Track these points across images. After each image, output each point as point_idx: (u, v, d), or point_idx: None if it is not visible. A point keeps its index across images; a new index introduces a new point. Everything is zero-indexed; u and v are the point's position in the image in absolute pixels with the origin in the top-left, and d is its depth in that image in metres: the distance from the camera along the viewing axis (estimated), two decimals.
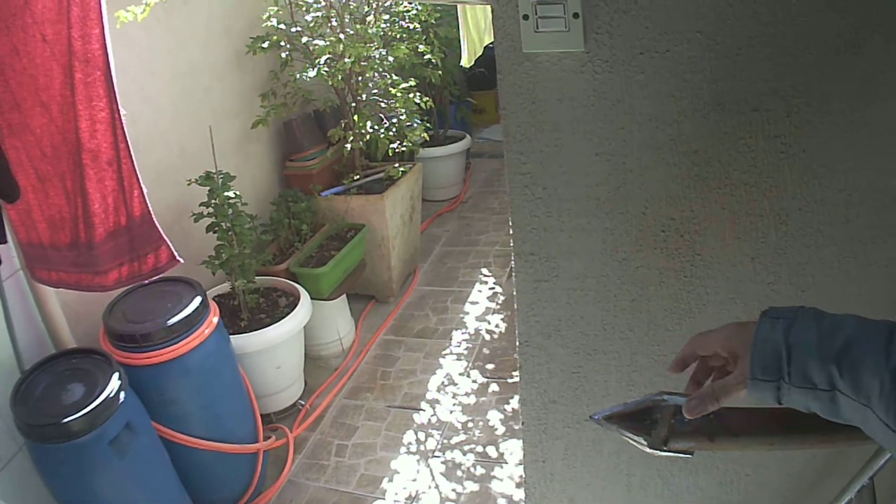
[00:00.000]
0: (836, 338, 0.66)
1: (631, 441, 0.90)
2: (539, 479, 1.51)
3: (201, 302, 2.22)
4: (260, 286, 2.78)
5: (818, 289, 1.15)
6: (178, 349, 2.12)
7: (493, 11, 1.08)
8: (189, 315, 2.16)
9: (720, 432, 0.89)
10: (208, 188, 2.47)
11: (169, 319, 2.12)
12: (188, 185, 2.47)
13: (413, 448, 2.67)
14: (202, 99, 2.88)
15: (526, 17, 1.03)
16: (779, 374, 0.68)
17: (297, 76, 3.06)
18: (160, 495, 2.10)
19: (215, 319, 2.26)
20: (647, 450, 0.90)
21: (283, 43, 3.02)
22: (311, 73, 2.97)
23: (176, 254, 2.01)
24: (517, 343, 1.35)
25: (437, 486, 2.49)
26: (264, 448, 2.45)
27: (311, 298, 2.77)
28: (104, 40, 1.68)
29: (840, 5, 0.94)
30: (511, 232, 1.24)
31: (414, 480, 2.53)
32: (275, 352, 2.60)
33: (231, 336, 2.44)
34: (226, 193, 2.44)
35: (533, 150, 1.15)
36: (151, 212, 1.94)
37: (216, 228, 2.51)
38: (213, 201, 2.47)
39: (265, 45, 2.93)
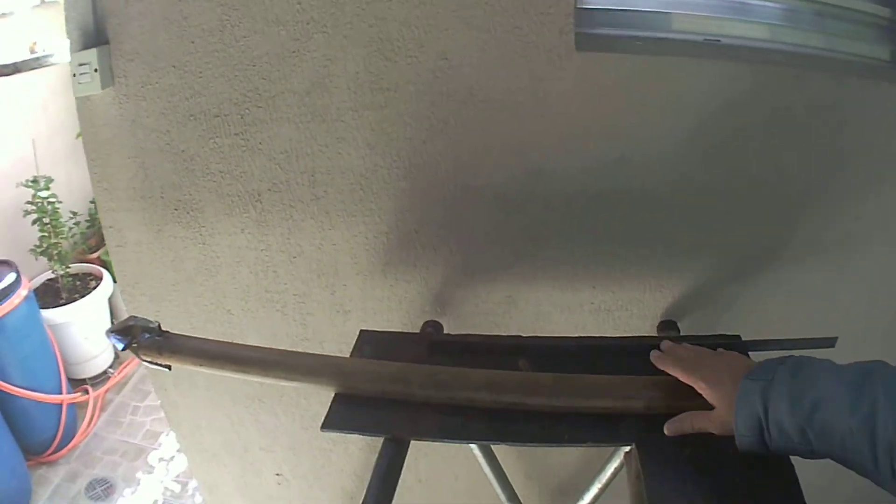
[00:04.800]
0: (805, 399, 0.67)
1: (114, 344, 1.11)
2: (169, 406, 1.72)
3: (15, 278, 2.52)
4: (78, 272, 3.04)
5: (307, 257, 1.38)
6: None
7: None
8: (5, 287, 2.49)
9: (167, 349, 1.12)
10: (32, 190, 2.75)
11: None
12: (16, 187, 2.74)
13: None
14: (38, 114, 3.12)
15: (74, 75, 1.29)
16: (760, 432, 0.72)
17: None
18: None
19: (24, 292, 2.55)
20: (130, 353, 1.13)
21: None
22: None
23: None
24: None
25: None
26: (67, 401, 2.70)
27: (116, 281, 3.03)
28: None
29: (279, 18, 1.14)
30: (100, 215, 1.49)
31: None
32: (81, 324, 2.87)
33: (50, 309, 2.76)
34: (40, 194, 2.71)
35: (98, 157, 1.40)
36: None
37: (38, 223, 2.78)
38: (37, 200, 2.75)
39: None
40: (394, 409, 1.01)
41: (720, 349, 0.91)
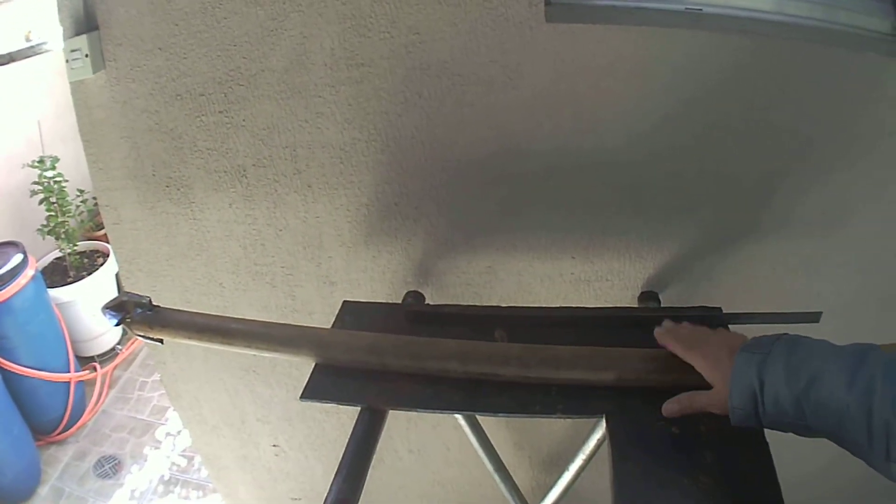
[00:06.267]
0: (802, 373, 0.69)
1: (108, 319, 1.17)
2: (168, 379, 1.82)
3: (22, 259, 2.63)
4: (85, 249, 3.16)
5: (292, 230, 1.45)
6: (4, 294, 2.55)
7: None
8: (12, 268, 2.58)
9: (157, 323, 1.18)
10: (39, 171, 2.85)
11: None
12: (22, 168, 2.84)
13: None
14: (43, 96, 3.18)
15: (67, 61, 1.36)
16: (754, 405, 0.72)
17: None
18: None
19: (31, 272, 2.65)
20: (121, 328, 1.22)
21: None
22: None
23: None
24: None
25: None
26: (75, 379, 2.82)
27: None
28: None
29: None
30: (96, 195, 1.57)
31: None
32: (89, 301, 2.98)
33: (58, 288, 2.86)
34: (46, 174, 2.81)
35: (93, 139, 1.48)
36: None
37: (45, 203, 2.89)
38: (43, 180, 2.86)
39: None
40: (370, 380, 1.06)
41: (720, 328, 0.92)
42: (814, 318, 1.08)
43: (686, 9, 1.21)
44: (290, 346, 1.13)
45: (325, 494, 0.91)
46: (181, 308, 1.19)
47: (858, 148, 1.14)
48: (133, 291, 1.19)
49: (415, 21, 1.15)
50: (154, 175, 1.46)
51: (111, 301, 1.19)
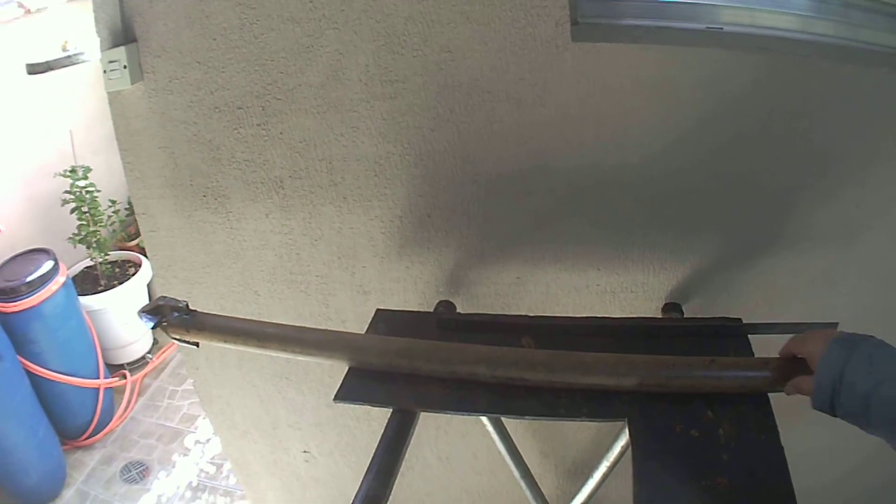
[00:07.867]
0: (879, 371, 0.76)
1: (144, 322, 1.26)
2: (201, 384, 1.90)
3: (53, 266, 2.74)
4: (117, 259, 3.27)
5: (327, 240, 1.53)
6: (34, 300, 2.65)
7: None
8: (43, 274, 2.69)
9: (194, 327, 1.28)
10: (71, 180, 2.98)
11: (28, 277, 2.66)
12: (54, 177, 2.97)
13: None
14: (76, 106, 3.31)
15: (105, 72, 1.46)
16: (832, 395, 0.80)
17: None
18: (20, 412, 2.63)
19: (62, 279, 2.76)
20: (152, 337, 1.32)
21: None
22: None
23: None
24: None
25: None
26: (104, 385, 2.93)
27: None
28: None
29: (294, 16, 1.29)
30: (133, 203, 1.67)
31: None
32: (120, 310, 3.09)
33: (89, 296, 2.99)
34: (78, 183, 2.94)
35: (130, 148, 1.57)
36: None
37: (76, 211, 3.02)
38: (75, 190, 2.99)
39: None
40: (402, 383, 1.13)
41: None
42: (830, 328, 1.13)
43: (707, 27, 1.27)
44: (325, 349, 1.21)
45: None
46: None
47: (874, 162, 1.19)
48: (167, 296, 1.28)
49: (446, 39, 1.23)
50: (191, 185, 1.55)
51: (148, 304, 1.27)
